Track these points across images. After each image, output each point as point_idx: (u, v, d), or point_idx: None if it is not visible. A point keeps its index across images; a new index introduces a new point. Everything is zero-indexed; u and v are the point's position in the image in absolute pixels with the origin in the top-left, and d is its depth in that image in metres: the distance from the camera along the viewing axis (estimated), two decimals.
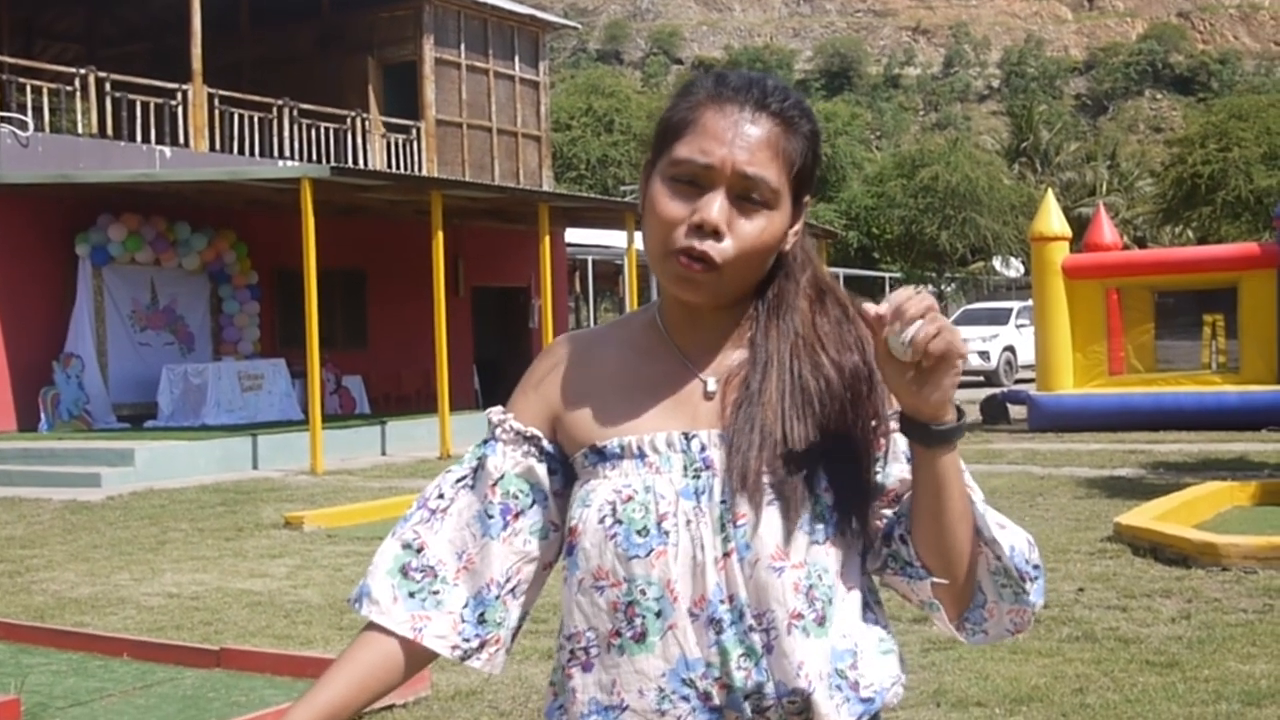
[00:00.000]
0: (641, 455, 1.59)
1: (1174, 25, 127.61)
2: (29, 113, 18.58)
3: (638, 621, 1.55)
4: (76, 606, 8.12)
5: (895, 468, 1.60)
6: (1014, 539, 1.57)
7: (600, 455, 1.62)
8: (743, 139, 1.54)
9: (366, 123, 23.49)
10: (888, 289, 49.38)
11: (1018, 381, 28.28)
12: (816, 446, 1.55)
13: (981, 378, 29.34)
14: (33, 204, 18.10)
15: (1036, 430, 17.80)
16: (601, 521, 1.57)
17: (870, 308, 1.47)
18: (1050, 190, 22.25)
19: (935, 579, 1.57)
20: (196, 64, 20.44)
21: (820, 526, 1.55)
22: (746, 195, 1.54)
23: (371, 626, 1.65)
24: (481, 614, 1.65)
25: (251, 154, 21.37)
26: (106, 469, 14.56)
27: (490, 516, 1.65)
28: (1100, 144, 67.29)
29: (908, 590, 1.62)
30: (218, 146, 20.97)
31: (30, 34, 26.26)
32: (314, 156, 22.21)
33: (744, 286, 1.59)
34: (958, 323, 31.36)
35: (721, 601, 1.53)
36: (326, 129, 22.77)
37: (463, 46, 24.75)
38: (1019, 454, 15.08)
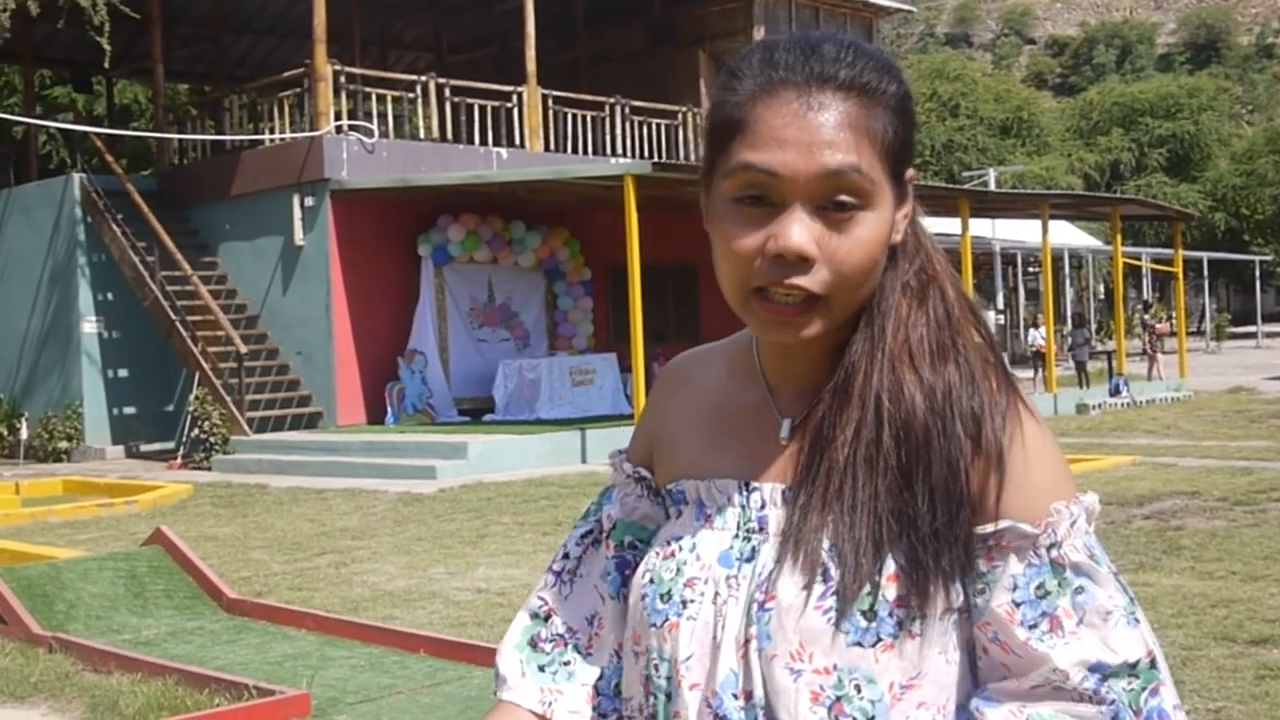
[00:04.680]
0: (700, 505, 1.31)
1: None
2: (374, 120, 19.46)
3: (651, 701, 1.29)
4: (390, 600, 8.31)
5: (998, 596, 1.21)
6: None
7: (671, 498, 1.36)
8: (812, 130, 1.18)
9: (698, 117, 23.54)
10: (1258, 274, 46.26)
11: None
12: (894, 517, 1.19)
13: None
14: (378, 207, 18.97)
15: None
16: (643, 576, 1.32)
17: None
18: None
19: None
20: (531, 66, 20.95)
21: (870, 625, 1.19)
22: (834, 200, 1.18)
23: (504, 704, 1.44)
24: (617, 684, 1.41)
25: (585, 152, 21.76)
26: (441, 462, 15.05)
27: (608, 574, 1.43)
28: None
29: None
30: (552, 146, 21.45)
31: (384, 45, 27.64)
32: (646, 153, 22.42)
33: (856, 308, 1.24)
34: None
35: (735, 696, 1.22)
36: (658, 125, 22.97)
37: None
38: None
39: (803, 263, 1.18)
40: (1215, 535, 9.10)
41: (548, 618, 1.44)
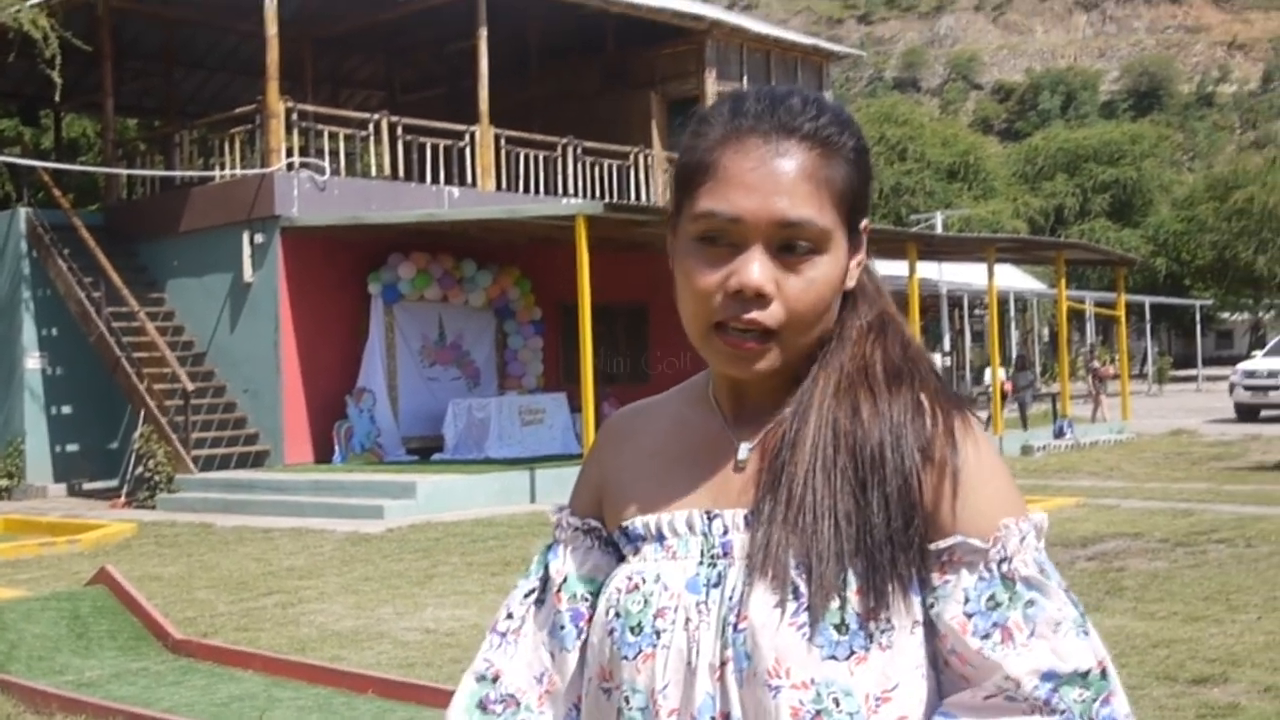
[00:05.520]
0: (661, 538, 1.35)
1: None
2: (326, 157, 19.44)
3: None
4: (337, 640, 8.26)
5: (950, 608, 1.26)
6: None
7: (627, 537, 1.39)
8: (774, 179, 1.27)
9: (649, 158, 23.67)
10: (1199, 318, 46.91)
11: None
12: (851, 525, 1.25)
13: None
14: (329, 244, 18.93)
15: None
16: (607, 613, 1.35)
17: None
18: None
19: None
20: (483, 105, 21.00)
21: (842, 639, 1.23)
22: (790, 244, 1.27)
23: None
24: None
25: (536, 192, 21.81)
26: (389, 501, 14.98)
27: (562, 628, 1.43)
28: None
29: None
30: (504, 185, 21.48)
31: (336, 83, 27.61)
32: (598, 193, 22.49)
33: (808, 346, 1.32)
34: (1272, 353, 29.41)
35: (713, 718, 1.26)
36: (610, 165, 23.06)
37: (745, 79, 24.67)
38: None
39: (760, 299, 1.26)
40: (1157, 576, 9.22)
41: (495, 679, 1.44)
